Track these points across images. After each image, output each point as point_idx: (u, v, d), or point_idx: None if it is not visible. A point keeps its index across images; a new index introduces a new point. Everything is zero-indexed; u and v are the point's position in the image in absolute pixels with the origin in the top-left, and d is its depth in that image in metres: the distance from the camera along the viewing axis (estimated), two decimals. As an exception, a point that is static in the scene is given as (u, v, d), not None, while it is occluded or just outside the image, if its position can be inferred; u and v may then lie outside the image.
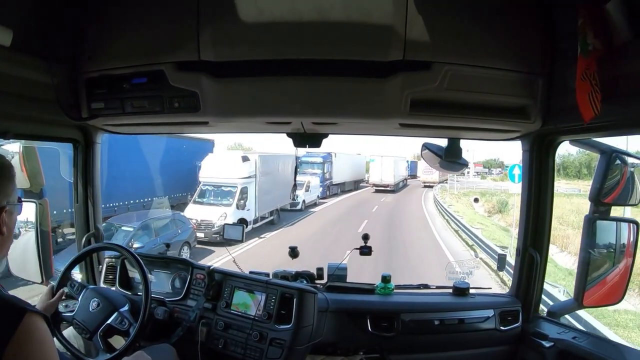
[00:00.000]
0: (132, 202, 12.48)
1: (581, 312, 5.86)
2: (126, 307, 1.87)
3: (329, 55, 1.51)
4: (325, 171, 25.05)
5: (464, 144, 2.08)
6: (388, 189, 30.96)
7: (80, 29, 1.69)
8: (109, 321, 1.81)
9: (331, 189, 26.61)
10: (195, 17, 1.49)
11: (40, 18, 1.56)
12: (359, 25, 1.43)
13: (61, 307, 1.92)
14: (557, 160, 2.00)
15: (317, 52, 1.50)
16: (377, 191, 30.90)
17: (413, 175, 45.11)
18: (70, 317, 1.86)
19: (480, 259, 10.61)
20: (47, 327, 0.99)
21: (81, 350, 1.88)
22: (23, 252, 2.55)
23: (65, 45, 1.69)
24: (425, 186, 37.77)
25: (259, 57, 1.54)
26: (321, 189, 23.82)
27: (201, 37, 1.52)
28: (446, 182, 37.85)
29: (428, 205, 25.22)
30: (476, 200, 25.96)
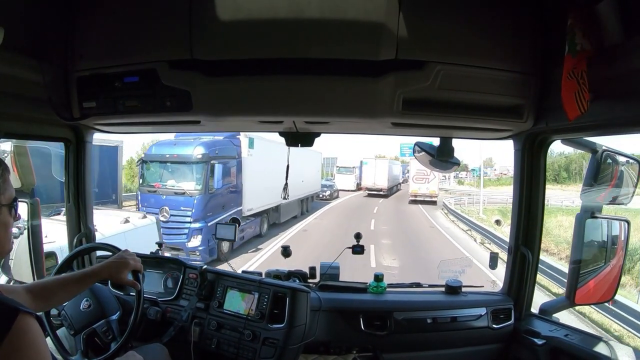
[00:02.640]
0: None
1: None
2: (115, 316, 1.82)
3: (321, 54, 1.50)
4: (212, 187, 10.71)
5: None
6: (381, 193, 30.36)
7: (71, 28, 1.68)
8: (94, 326, 1.77)
9: (241, 234, 11.60)
10: (187, 16, 1.48)
11: (31, 16, 1.55)
12: (351, 25, 1.43)
13: None
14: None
15: (309, 51, 1.50)
16: (369, 195, 30.21)
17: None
18: (59, 307, 1.83)
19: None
20: (39, 327, 0.97)
21: (73, 351, 1.86)
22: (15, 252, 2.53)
23: (57, 43, 1.68)
24: (415, 201, 27.37)
25: (251, 56, 1.54)
26: (199, 242, 10.34)
27: (193, 36, 1.51)
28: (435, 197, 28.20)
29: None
30: (498, 222, 20.97)
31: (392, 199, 30.66)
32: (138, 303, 1.74)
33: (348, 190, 33.56)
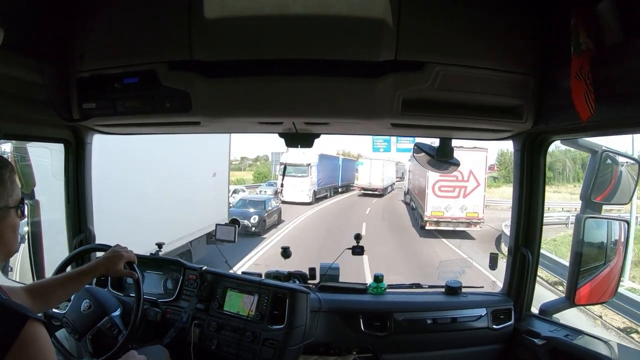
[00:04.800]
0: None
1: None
2: (117, 312, 1.83)
3: (321, 55, 1.50)
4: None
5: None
6: (376, 192, 29.69)
7: (71, 28, 1.68)
8: (98, 325, 1.78)
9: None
10: (186, 16, 1.48)
11: (31, 17, 1.55)
12: (351, 26, 1.43)
13: None
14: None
15: (309, 52, 1.50)
16: (364, 195, 29.60)
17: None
18: (61, 314, 1.84)
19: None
20: (47, 334, 0.98)
21: (73, 352, 1.86)
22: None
23: (56, 44, 1.68)
24: (433, 232, 15.62)
25: (251, 57, 1.54)
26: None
27: (193, 37, 1.50)
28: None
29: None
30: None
31: (388, 220, 19.07)
32: (138, 292, 1.75)
33: (299, 204, 21.58)
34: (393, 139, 21.88)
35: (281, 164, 23.36)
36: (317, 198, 24.99)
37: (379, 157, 29.17)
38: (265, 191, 24.29)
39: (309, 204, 23.02)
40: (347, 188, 33.47)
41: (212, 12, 1.43)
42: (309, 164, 22.87)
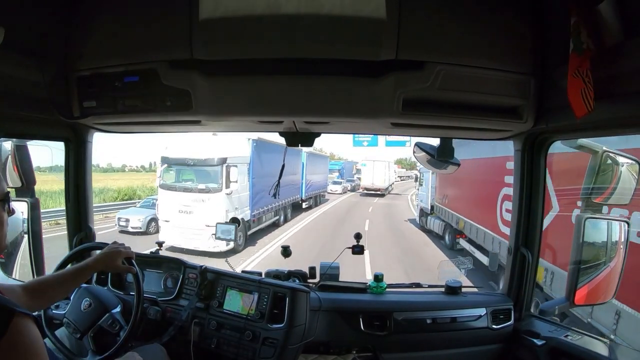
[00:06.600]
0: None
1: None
2: (118, 309, 1.85)
3: (321, 54, 1.50)
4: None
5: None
6: (379, 192, 30.29)
7: (71, 27, 1.67)
8: (99, 322, 1.79)
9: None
10: (187, 15, 1.48)
11: (31, 16, 1.55)
12: (351, 25, 1.42)
13: (52, 305, 1.91)
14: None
15: (309, 51, 1.49)
16: (366, 194, 30.08)
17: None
18: (61, 315, 1.85)
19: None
20: (37, 329, 0.96)
21: (73, 350, 1.87)
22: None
23: (57, 43, 1.68)
24: None
25: (251, 56, 1.53)
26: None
27: (193, 35, 1.50)
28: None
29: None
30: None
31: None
32: (138, 287, 1.76)
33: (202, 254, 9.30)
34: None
35: (163, 160, 11.83)
36: (252, 234, 12.74)
37: (368, 154, 29.75)
38: (127, 219, 13.27)
39: (226, 253, 9.15)
40: (316, 200, 22.22)
41: (209, 11, 1.42)
42: (225, 161, 11.06)
